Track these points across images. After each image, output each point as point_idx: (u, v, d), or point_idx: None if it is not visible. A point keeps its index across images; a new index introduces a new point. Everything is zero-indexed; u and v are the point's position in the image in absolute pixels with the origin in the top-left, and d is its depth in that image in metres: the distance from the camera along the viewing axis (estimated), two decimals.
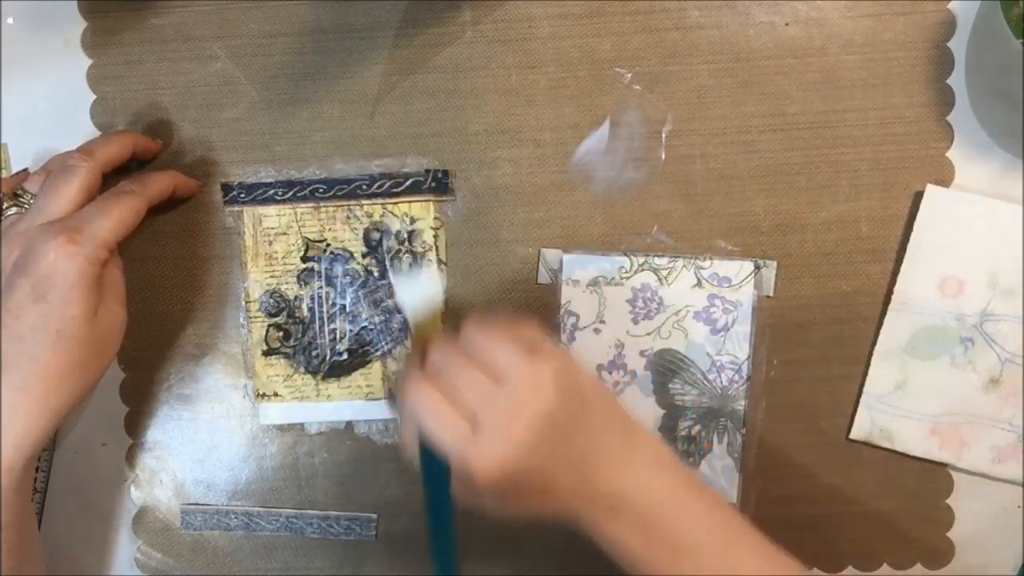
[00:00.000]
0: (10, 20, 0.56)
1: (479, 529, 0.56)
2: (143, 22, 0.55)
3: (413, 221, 0.55)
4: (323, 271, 0.55)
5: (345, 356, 0.56)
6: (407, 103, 0.55)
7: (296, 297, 0.56)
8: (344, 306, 0.55)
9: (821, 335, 0.55)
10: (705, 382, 0.55)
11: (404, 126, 0.55)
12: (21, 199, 0.50)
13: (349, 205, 0.55)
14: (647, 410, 0.55)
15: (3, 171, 0.56)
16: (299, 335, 0.56)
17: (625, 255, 0.55)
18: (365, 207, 0.55)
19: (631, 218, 0.55)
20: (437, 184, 0.55)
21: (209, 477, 0.57)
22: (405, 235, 0.55)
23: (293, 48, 0.55)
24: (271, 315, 0.56)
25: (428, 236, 0.55)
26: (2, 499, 0.45)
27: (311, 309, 0.56)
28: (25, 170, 0.54)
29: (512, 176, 0.55)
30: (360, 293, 0.55)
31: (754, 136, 0.54)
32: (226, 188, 0.55)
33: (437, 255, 0.55)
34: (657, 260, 0.55)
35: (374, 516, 0.56)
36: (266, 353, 0.56)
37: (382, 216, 0.55)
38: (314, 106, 0.55)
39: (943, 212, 0.53)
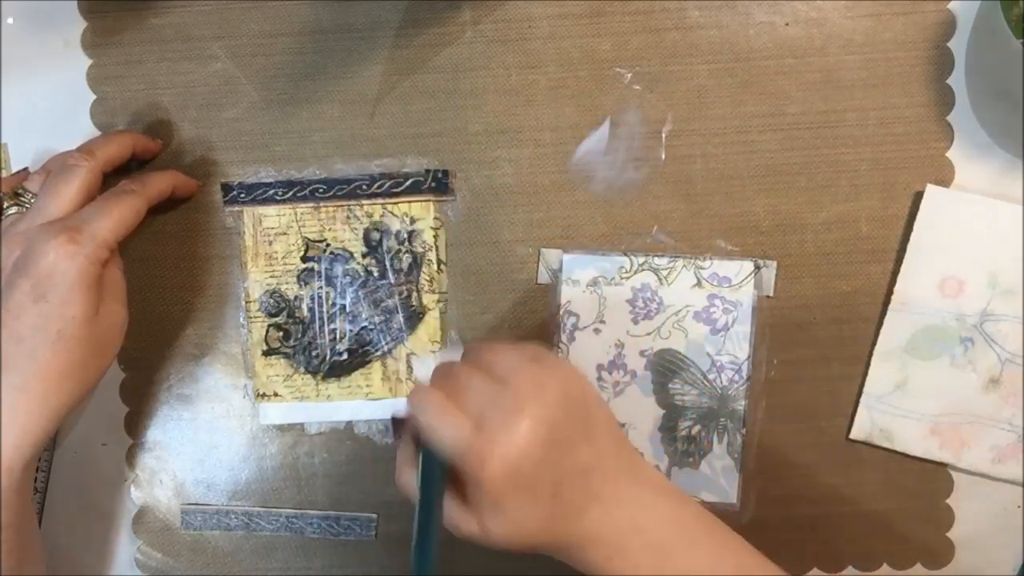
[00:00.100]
0: (10, 20, 0.56)
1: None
2: (143, 22, 0.55)
3: (413, 221, 0.55)
4: (323, 271, 0.55)
5: (345, 356, 0.56)
6: (407, 103, 0.55)
7: (296, 297, 0.56)
8: (344, 306, 0.55)
9: (821, 335, 0.55)
10: (705, 382, 0.55)
11: (404, 126, 0.55)
12: (21, 199, 0.50)
13: (349, 205, 0.55)
14: (647, 410, 0.55)
15: (3, 171, 0.56)
16: (299, 335, 0.56)
17: (625, 255, 0.55)
18: (365, 207, 0.55)
19: (631, 218, 0.55)
20: (437, 184, 0.55)
21: (209, 477, 0.57)
22: (405, 235, 0.55)
23: (293, 48, 0.55)
24: (271, 315, 0.56)
25: (428, 236, 0.55)
26: (2, 499, 0.45)
27: (311, 309, 0.56)
28: (25, 170, 0.54)
29: (512, 176, 0.55)
30: (360, 293, 0.55)
31: (754, 136, 0.54)
32: (226, 188, 0.55)
33: (437, 255, 0.55)
34: (657, 260, 0.55)
35: (374, 516, 0.56)
36: (266, 353, 0.56)
37: (382, 216, 0.55)
38: (314, 106, 0.55)
39: (943, 212, 0.53)
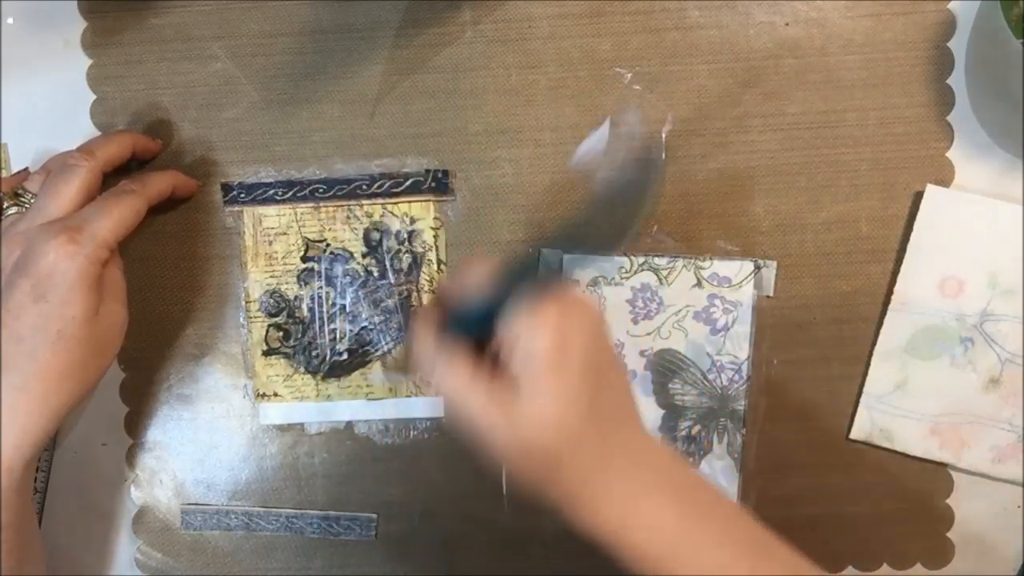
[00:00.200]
0: (10, 20, 0.56)
1: (481, 529, 0.56)
2: (143, 22, 0.55)
3: (413, 221, 0.55)
4: (323, 271, 0.55)
5: (345, 356, 0.56)
6: (407, 103, 0.55)
7: (296, 297, 0.56)
8: (344, 306, 0.55)
9: (821, 335, 0.55)
10: (705, 382, 0.55)
11: (404, 126, 0.55)
12: (21, 199, 0.50)
13: (349, 205, 0.55)
14: (647, 410, 0.55)
15: (3, 171, 0.56)
16: (299, 335, 0.56)
17: (625, 255, 0.55)
18: (365, 207, 0.55)
19: None
20: (437, 184, 0.55)
21: (209, 477, 0.57)
22: (405, 235, 0.55)
23: (293, 48, 0.55)
24: (271, 315, 0.56)
25: (428, 236, 0.55)
26: (2, 499, 0.45)
27: (311, 309, 0.56)
28: (25, 170, 0.54)
29: (512, 176, 0.55)
30: (360, 293, 0.55)
31: (754, 136, 0.54)
32: (226, 188, 0.55)
33: (437, 255, 0.55)
34: (657, 260, 0.55)
35: (374, 516, 0.56)
36: (266, 353, 0.56)
37: (382, 216, 0.55)
38: (314, 106, 0.55)
39: (943, 212, 0.53)
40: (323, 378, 0.56)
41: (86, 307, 0.46)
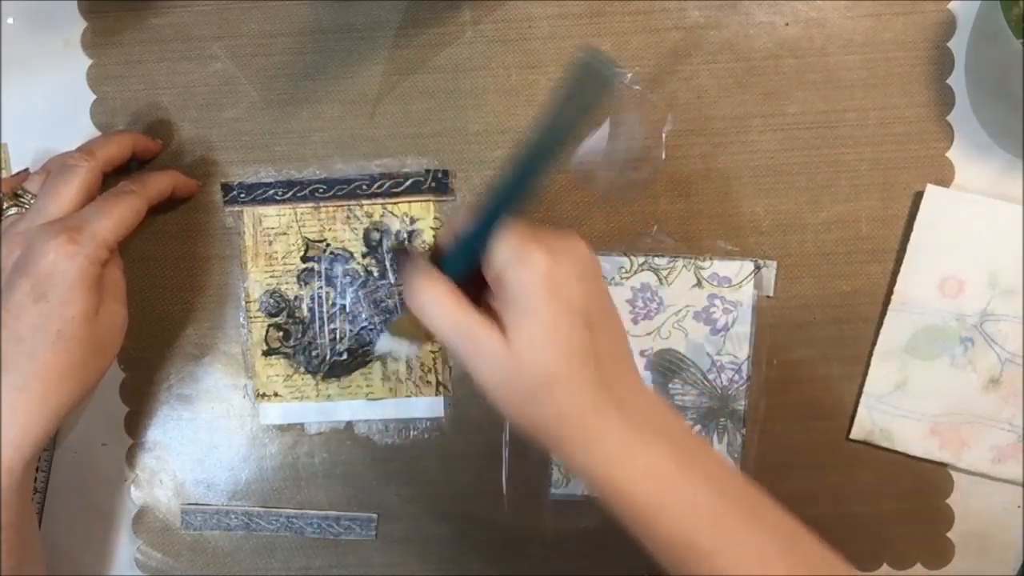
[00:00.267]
0: (10, 20, 0.56)
1: (481, 529, 0.56)
2: (143, 22, 0.55)
3: (413, 221, 0.55)
4: (323, 271, 0.55)
5: (345, 356, 0.56)
6: (407, 103, 0.55)
7: (296, 297, 0.56)
8: (344, 306, 0.55)
9: (821, 335, 0.55)
10: (705, 382, 0.55)
11: (404, 126, 0.55)
12: (21, 199, 0.50)
13: (349, 205, 0.55)
14: None
15: (3, 171, 0.56)
16: (299, 335, 0.56)
17: (625, 255, 0.55)
18: (365, 207, 0.55)
19: (631, 218, 0.55)
20: (437, 184, 0.55)
21: (209, 477, 0.57)
22: (405, 235, 0.55)
23: (293, 48, 0.55)
24: (271, 315, 0.56)
25: (428, 236, 0.55)
26: (2, 499, 0.45)
27: (311, 309, 0.56)
28: (25, 170, 0.54)
29: None
30: (360, 293, 0.55)
31: (754, 136, 0.54)
32: (226, 188, 0.55)
33: None
34: (657, 260, 0.55)
35: (374, 516, 0.56)
36: (266, 353, 0.56)
37: (382, 216, 0.55)
38: (314, 106, 0.55)
39: (943, 212, 0.53)
40: (323, 378, 0.56)
41: (86, 307, 0.46)
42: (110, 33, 0.55)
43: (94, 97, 0.55)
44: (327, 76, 0.55)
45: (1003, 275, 0.53)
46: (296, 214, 0.55)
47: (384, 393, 0.56)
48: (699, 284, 0.55)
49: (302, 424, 0.56)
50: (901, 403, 0.54)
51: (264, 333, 0.56)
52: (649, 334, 0.55)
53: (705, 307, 0.55)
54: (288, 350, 0.56)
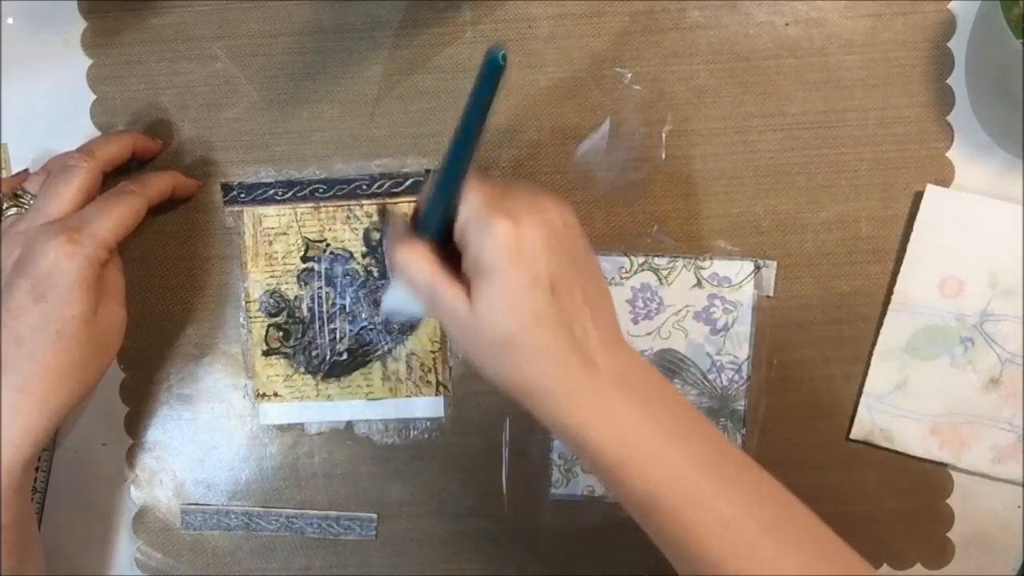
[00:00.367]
0: (10, 20, 0.56)
1: (481, 529, 0.56)
2: (143, 22, 0.55)
3: None
4: (323, 271, 0.55)
5: (345, 356, 0.56)
6: (407, 103, 0.55)
7: (296, 297, 0.56)
8: (344, 306, 0.55)
9: (821, 335, 0.55)
10: (705, 382, 0.55)
11: (404, 126, 0.55)
12: (21, 199, 0.50)
13: (349, 205, 0.55)
14: None
15: (3, 171, 0.56)
16: (299, 335, 0.56)
17: (625, 255, 0.55)
18: (365, 207, 0.55)
19: (631, 218, 0.55)
20: None
21: (209, 477, 0.57)
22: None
23: (293, 48, 0.55)
24: (271, 315, 0.56)
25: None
26: (2, 499, 0.45)
27: (311, 309, 0.56)
28: (25, 170, 0.54)
29: (512, 176, 0.55)
30: (360, 293, 0.55)
31: (754, 136, 0.54)
32: (226, 188, 0.55)
33: None
34: (657, 260, 0.55)
35: (374, 516, 0.56)
36: (266, 353, 0.56)
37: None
38: (314, 106, 0.55)
39: (943, 212, 0.53)
40: (323, 378, 0.56)
41: (85, 307, 0.46)
42: (110, 33, 0.55)
43: (94, 97, 0.55)
44: (327, 76, 0.55)
45: (1003, 275, 0.53)
46: (296, 214, 0.55)
47: (384, 393, 0.56)
48: (699, 284, 0.55)
49: (302, 424, 0.56)
50: (901, 403, 0.54)
51: (264, 333, 0.56)
52: (649, 334, 0.55)
53: (705, 307, 0.55)
54: (288, 350, 0.56)
